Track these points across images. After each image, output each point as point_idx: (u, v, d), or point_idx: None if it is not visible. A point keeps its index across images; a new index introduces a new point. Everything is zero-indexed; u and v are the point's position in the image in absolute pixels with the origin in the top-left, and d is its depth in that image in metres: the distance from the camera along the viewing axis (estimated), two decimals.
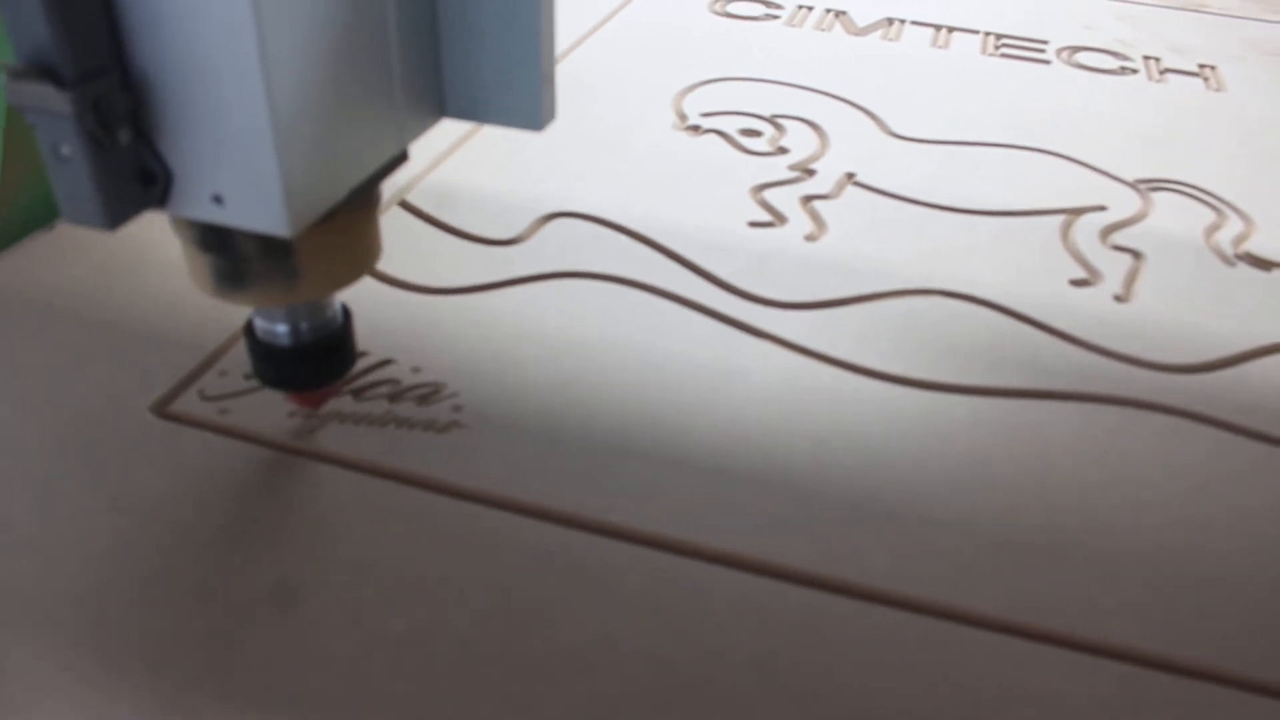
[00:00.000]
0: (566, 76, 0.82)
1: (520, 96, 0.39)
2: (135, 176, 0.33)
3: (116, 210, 0.32)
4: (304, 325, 0.42)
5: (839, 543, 0.42)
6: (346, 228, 0.39)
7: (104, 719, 0.34)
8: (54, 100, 0.30)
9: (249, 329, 0.43)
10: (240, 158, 0.32)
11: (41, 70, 0.30)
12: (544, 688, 0.36)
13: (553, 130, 0.72)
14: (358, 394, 0.48)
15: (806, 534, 0.43)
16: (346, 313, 0.44)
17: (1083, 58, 0.93)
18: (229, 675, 0.36)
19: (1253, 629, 0.40)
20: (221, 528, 0.41)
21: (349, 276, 0.40)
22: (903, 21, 0.98)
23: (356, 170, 0.36)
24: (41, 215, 0.63)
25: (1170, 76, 0.91)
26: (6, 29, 0.31)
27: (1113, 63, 0.93)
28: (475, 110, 0.39)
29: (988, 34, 0.97)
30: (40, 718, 0.34)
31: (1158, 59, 0.94)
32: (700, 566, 0.41)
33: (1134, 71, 0.91)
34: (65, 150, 0.31)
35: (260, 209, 0.32)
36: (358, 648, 0.37)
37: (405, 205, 0.63)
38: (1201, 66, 0.93)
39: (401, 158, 0.39)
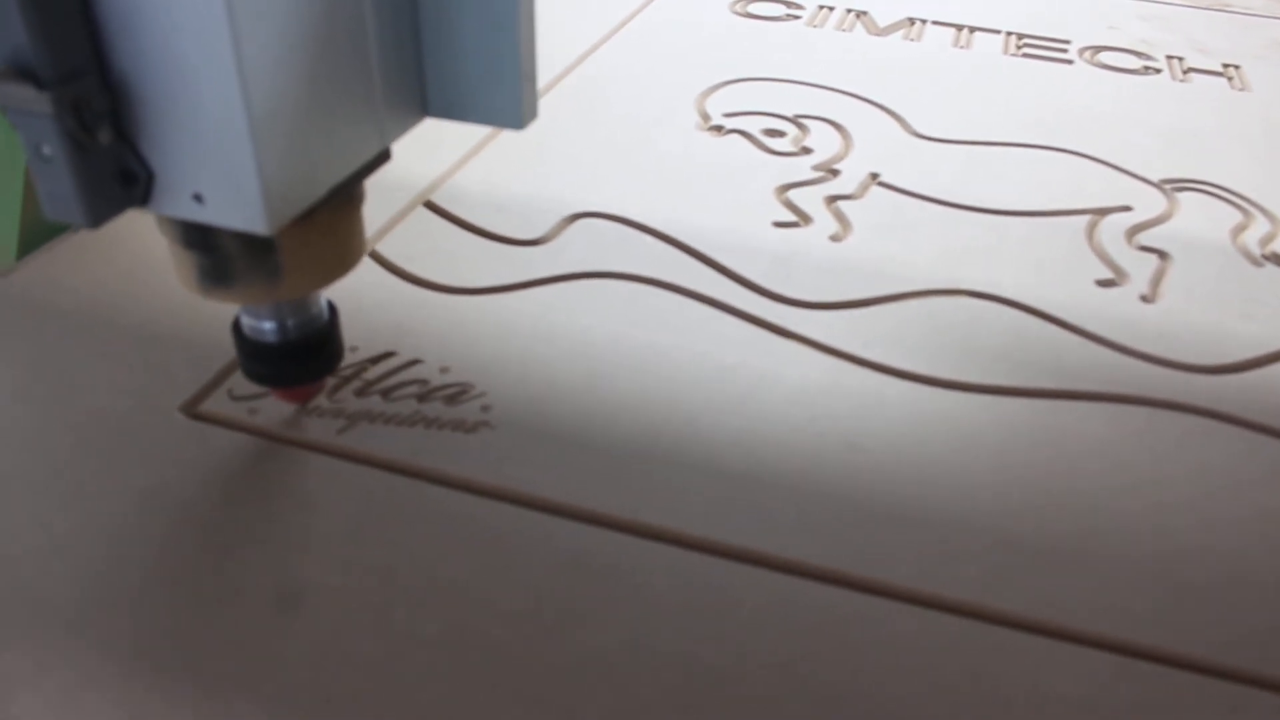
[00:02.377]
0: (588, 78, 0.82)
1: (501, 96, 0.39)
2: (116, 175, 0.33)
3: (98, 208, 0.33)
4: (290, 322, 0.43)
5: (867, 543, 0.42)
6: (328, 226, 0.39)
7: (139, 716, 0.34)
8: (34, 101, 0.30)
9: (236, 326, 0.43)
10: (218, 156, 0.32)
11: (21, 71, 0.31)
12: (575, 688, 0.36)
13: (576, 131, 0.72)
14: (386, 394, 0.49)
15: (835, 535, 0.43)
16: (333, 309, 0.44)
17: (1106, 57, 0.93)
18: (261, 676, 0.36)
19: (1273, 626, 0.40)
20: (251, 527, 0.42)
21: (332, 274, 0.41)
22: (924, 21, 0.98)
23: (336, 169, 0.36)
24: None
25: (1194, 76, 0.91)
26: None
27: (1136, 62, 0.92)
28: (456, 110, 0.39)
29: (1010, 34, 0.97)
30: (78, 715, 0.34)
31: (1181, 59, 0.94)
32: (730, 566, 0.41)
33: (1157, 71, 0.91)
34: (47, 150, 0.32)
35: (239, 207, 0.33)
36: (389, 650, 0.37)
37: (430, 205, 0.63)
38: (1226, 66, 0.93)
39: (384, 156, 0.39)
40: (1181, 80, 0.89)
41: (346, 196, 0.40)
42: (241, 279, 0.39)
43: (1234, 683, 0.38)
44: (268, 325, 0.43)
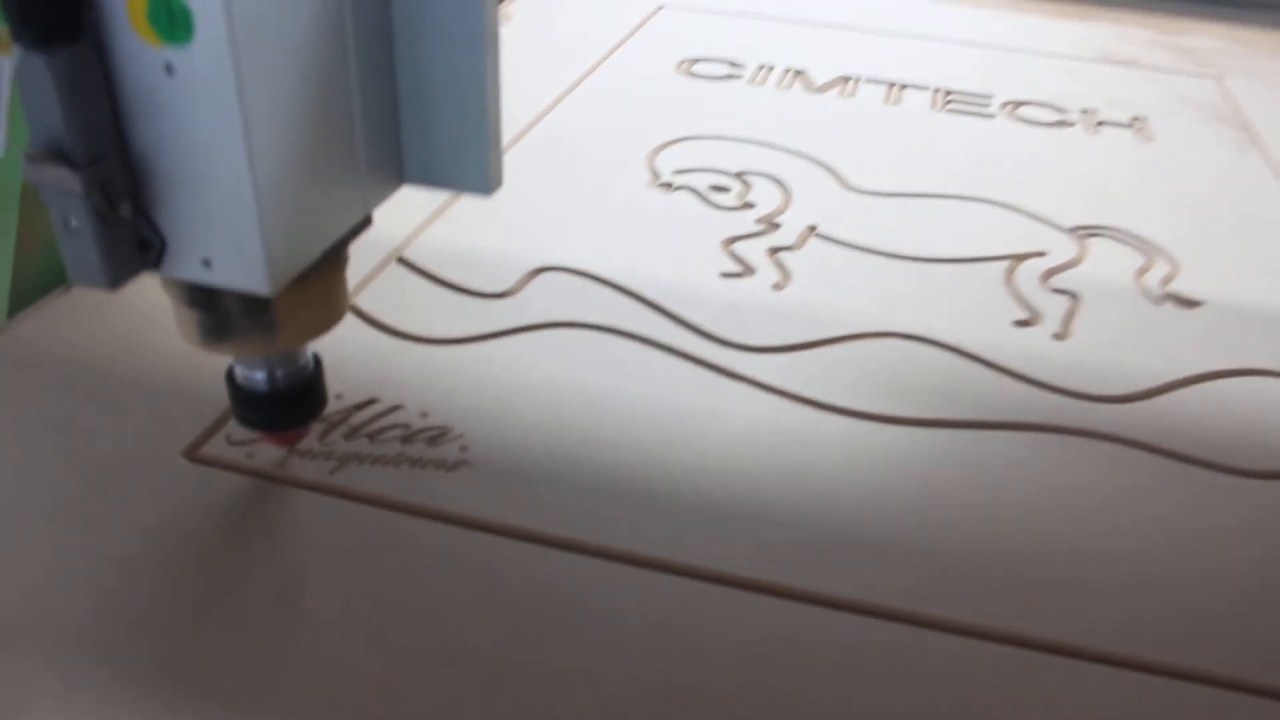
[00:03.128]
0: (544, 136, 0.88)
1: (470, 165, 0.44)
2: (134, 244, 0.38)
3: (117, 273, 0.37)
4: (279, 373, 0.47)
5: (810, 561, 0.48)
6: (318, 286, 0.44)
7: None
8: (67, 181, 0.35)
9: (230, 376, 0.48)
10: (227, 227, 0.37)
11: (56, 155, 0.35)
12: (555, 693, 0.41)
13: (534, 189, 0.77)
14: (372, 437, 0.53)
15: (781, 554, 0.48)
16: (318, 361, 0.49)
17: (1024, 112, 1.00)
18: (269, 694, 0.40)
19: (1168, 621, 0.46)
20: (253, 558, 0.46)
21: (320, 329, 0.45)
22: (857, 80, 1.05)
23: (327, 235, 0.41)
24: (57, 277, 0.68)
25: (1105, 128, 0.98)
26: (26, 120, 0.36)
27: (1052, 116, 1.00)
28: (430, 178, 0.44)
29: (936, 90, 1.04)
30: None
31: (1093, 111, 1.01)
32: (688, 583, 0.46)
33: (1071, 124, 0.98)
34: (74, 222, 0.36)
35: (244, 271, 0.38)
36: (387, 664, 0.42)
37: (403, 261, 0.68)
38: (1134, 119, 1.00)
39: (366, 222, 0.44)
40: (1093, 133, 0.97)
41: (333, 259, 0.44)
42: (240, 335, 0.44)
43: (1131, 670, 0.43)
44: (259, 375, 0.47)
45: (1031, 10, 1.31)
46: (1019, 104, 1.02)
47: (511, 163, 0.82)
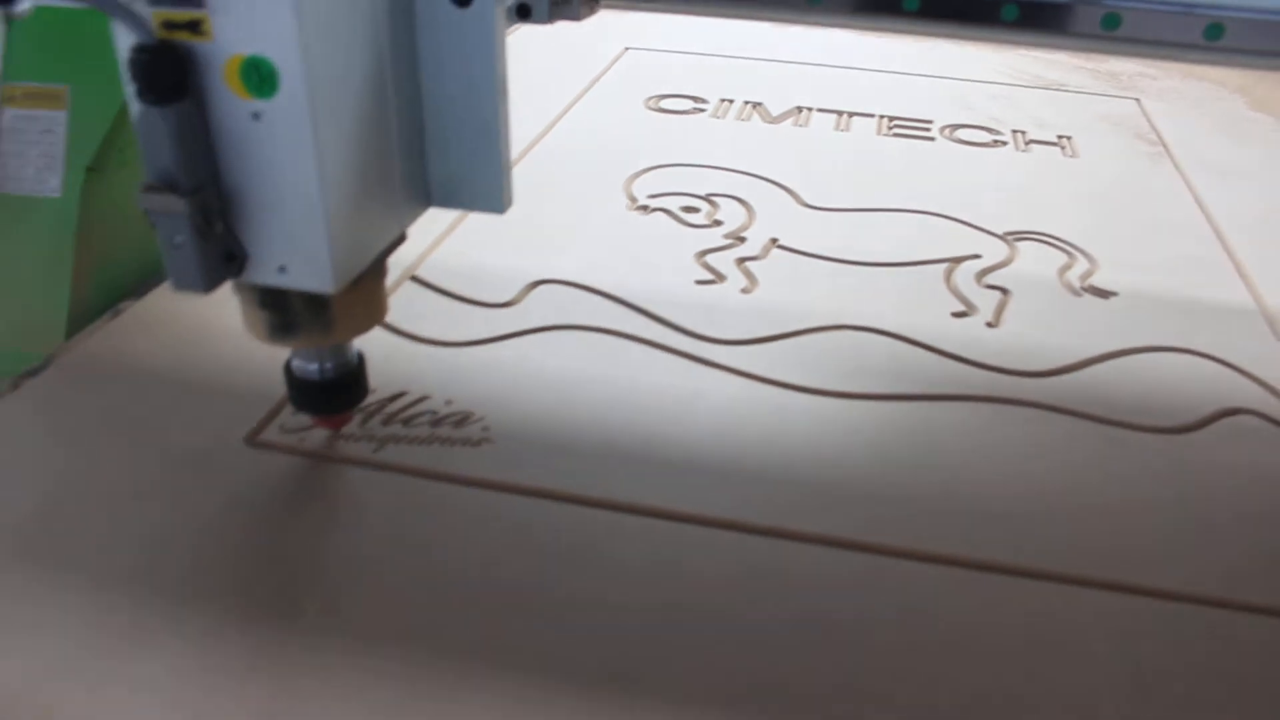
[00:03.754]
0: (533, 167, 0.98)
1: (486, 189, 0.54)
2: (222, 256, 0.47)
3: (211, 280, 0.47)
4: (329, 365, 0.57)
5: (782, 507, 0.57)
6: (365, 291, 0.53)
7: (251, 667, 0.47)
8: (174, 205, 0.45)
9: (287, 369, 0.57)
10: (300, 240, 0.46)
11: (166, 185, 0.45)
12: (572, 616, 0.50)
13: (526, 215, 0.87)
14: (406, 422, 0.62)
15: (758, 502, 0.57)
16: (361, 357, 0.58)
17: (962, 134, 1.11)
18: (343, 622, 0.49)
19: (1074, 542, 0.55)
20: (313, 523, 0.55)
21: (365, 326, 0.55)
22: (810, 109, 1.16)
23: (375, 247, 0.51)
24: (106, 303, 0.77)
25: (1034, 146, 1.09)
26: (142, 157, 0.45)
27: (987, 137, 1.11)
28: (453, 200, 0.54)
29: (882, 117, 1.15)
30: (201, 666, 0.47)
31: (1024, 132, 1.12)
32: (678, 527, 0.56)
33: (1004, 143, 1.09)
34: (178, 239, 0.46)
35: (314, 275, 0.47)
36: (433, 598, 0.51)
37: (416, 279, 0.78)
38: (1060, 137, 1.12)
39: (402, 238, 0.54)
40: (1024, 150, 1.08)
41: (377, 268, 0.54)
42: (303, 331, 0.53)
43: (1046, 580, 0.53)
44: (313, 367, 0.57)
45: (968, 41, 1.42)
46: (957, 127, 1.13)
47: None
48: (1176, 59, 0.55)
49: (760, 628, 0.50)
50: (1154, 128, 1.16)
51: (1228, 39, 0.54)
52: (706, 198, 0.93)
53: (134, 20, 0.43)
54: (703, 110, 1.15)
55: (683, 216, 0.90)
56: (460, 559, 0.53)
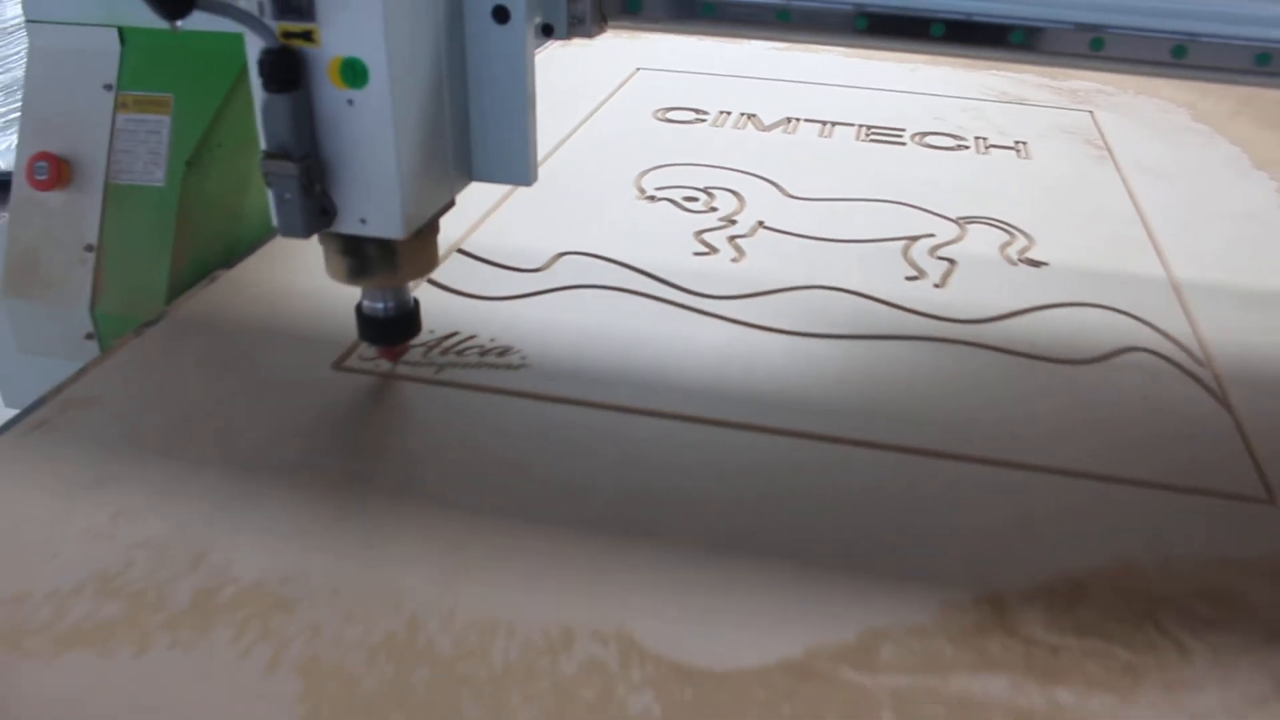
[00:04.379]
0: (558, 165, 1.14)
1: (517, 166, 0.70)
2: (318, 210, 0.63)
3: (310, 227, 0.63)
4: (391, 304, 0.72)
5: (761, 410, 0.73)
6: (423, 241, 0.69)
7: (335, 529, 0.63)
8: (287, 169, 0.61)
9: (358, 309, 0.73)
10: (378, 197, 0.62)
11: (280, 154, 0.61)
12: (593, 492, 0.65)
13: (553, 202, 1.03)
14: (459, 353, 0.78)
15: (741, 406, 0.73)
16: (416, 301, 0.74)
17: (931, 140, 1.27)
18: (415, 503, 0.65)
19: (1000, 439, 0.71)
20: (389, 427, 0.71)
21: (422, 272, 0.71)
22: (798, 119, 1.32)
23: (432, 207, 0.67)
24: (200, 274, 0.93)
25: (993, 150, 1.25)
26: (262, 133, 0.61)
27: (952, 143, 1.27)
28: (490, 175, 0.70)
29: (860, 126, 1.31)
30: (295, 533, 0.63)
31: (985, 138, 1.28)
32: (673, 423, 0.71)
33: (966, 148, 1.25)
34: (288, 196, 0.62)
35: (388, 225, 0.63)
36: (486, 474, 0.66)
37: (462, 251, 0.94)
38: (1016, 142, 1.28)
39: (451, 204, 0.69)
40: (983, 154, 1.24)
41: (432, 225, 0.70)
42: (375, 273, 0.69)
43: (982, 464, 0.69)
44: (379, 305, 0.73)
45: (943, 63, 1.59)
46: (926, 134, 1.29)
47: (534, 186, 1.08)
48: (1070, 68, 0.71)
49: (737, 495, 0.65)
50: (1102, 136, 1.32)
51: (1108, 49, 0.69)
52: (704, 190, 1.09)
53: (264, 30, 0.59)
54: (704, 120, 1.31)
55: (684, 204, 1.06)
56: (502, 447, 0.69)
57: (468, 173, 0.71)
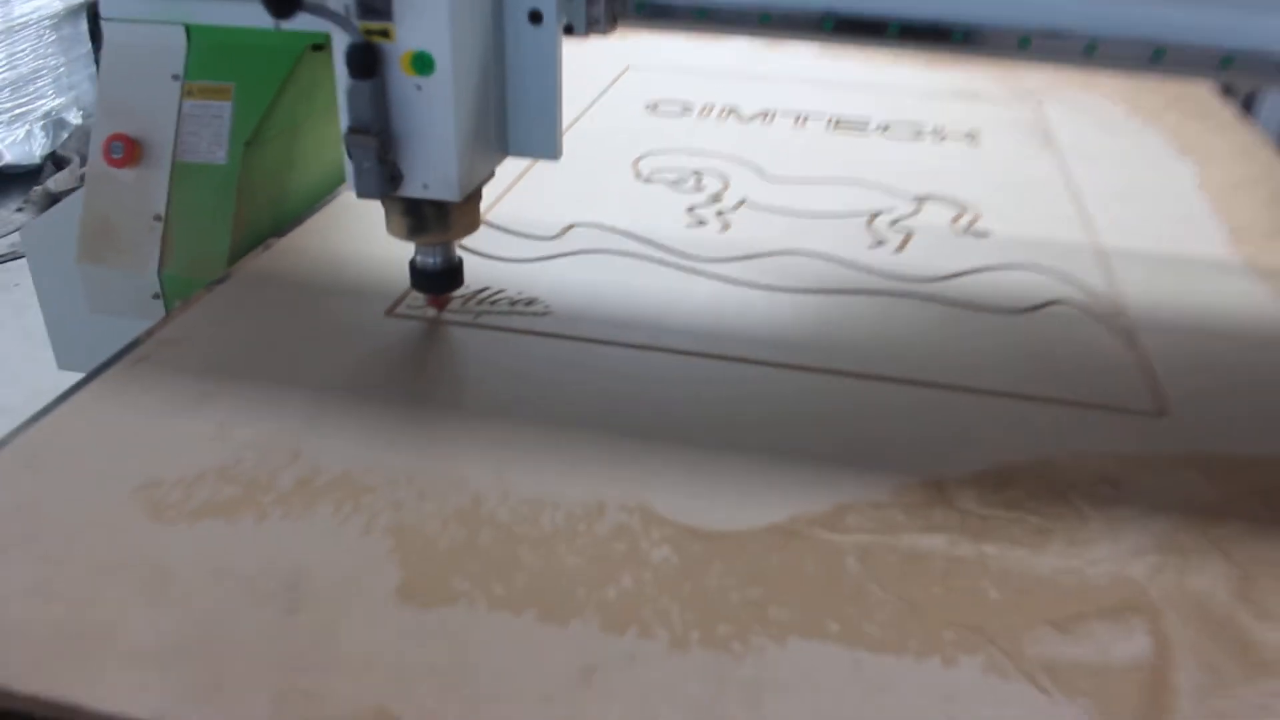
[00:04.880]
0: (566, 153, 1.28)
1: (546, 143, 0.84)
2: (389, 176, 0.77)
3: (382, 190, 0.77)
4: (439, 259, 0.87)
5: (749, 345, 0.87)
6: (471, 204, 0.83)
7: (400, 435, 0.77)
8: (366, 142, 0.75)
9: (411, 263, 0.87)
10: (438, 167, 0.76)
11: (361, 130, 0.75)
12: (614, 394, 0.80)
13: (561, 183, 1.17)
14: (493, 304, 0.92)
15: (729, 342, 0.87)
16: (460, 258, 0.88)
17: (891, 130, 1.42)
18: (464, 422, 0.79)
19: (939, 367, 0.86)
20: (434, 360, 0.85)
21: (467, 231, 0.85)
22: (774, 112, 1.47)
23: (479, 176, 0.81)
24: (256, 241, 1.06)
25: (948, 140, 1.40)
26: (344, 112, 0.75)
27: (911, 133, 1.42)
28: (522, 149, 0.84)
29: (830, 118, 1.46)
30: (367, 440, 0.77)
31: (941, 129, 1.44)
32: (668, 356, 0.86)
33: (924, 138, 1.40)
34: (365, 165, 0.76)
35: (445, 189, 0.77)
36: (520, 399, 0.80)
37: (487, 223, 1.08)
38: (969, 133, 1.43)
39: (491, 174, 0.84)
40: (938, 143, 1.39)
41: (477, 192, 0.84)
42: (431, 230, 0.83)
43: (903, 384, 0.83)
44: (430, 260, 0.87)
45: (905, 62, 1.74)
46: (888, 126, 1.44)
47: (543, 165, 1.22)
48: (1001, 60, 0.86)
49: (729, 410, 0.80)
50: (1047, 127, 1.47)
51: (1033, 48, 0.84)
52: (694, 173, 1.24)
53: (351, 28, 0.73)
54: (690, 113, 1.46)
55: (674, 186, 1.20)
56: (534, 374, 0.83)
57: (505, 148, 0.84)
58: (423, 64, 0.74)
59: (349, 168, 0.78)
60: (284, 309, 0.92)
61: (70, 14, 3.08)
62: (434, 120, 0.75)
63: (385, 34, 0.73)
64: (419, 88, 0.75)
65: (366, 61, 0.73)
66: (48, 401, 0.79)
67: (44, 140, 3.03)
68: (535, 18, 0.78)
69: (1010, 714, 0.56)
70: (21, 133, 2.96)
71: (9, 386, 2.27)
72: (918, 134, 1.42)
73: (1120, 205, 1.22)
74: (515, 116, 0.83)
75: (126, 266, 1.07)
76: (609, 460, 0.73)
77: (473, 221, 0.86)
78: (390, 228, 0.84)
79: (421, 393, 0.81)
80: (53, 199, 2.93)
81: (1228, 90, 1.70)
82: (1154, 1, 0.79)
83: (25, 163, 2.97)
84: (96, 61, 3.42)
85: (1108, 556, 0.67)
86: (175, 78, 1.06)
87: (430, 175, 0.77)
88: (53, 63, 3.05)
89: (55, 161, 3.07)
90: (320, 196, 1.17)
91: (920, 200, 1.19)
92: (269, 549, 0.64)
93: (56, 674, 0.55)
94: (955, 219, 1.15)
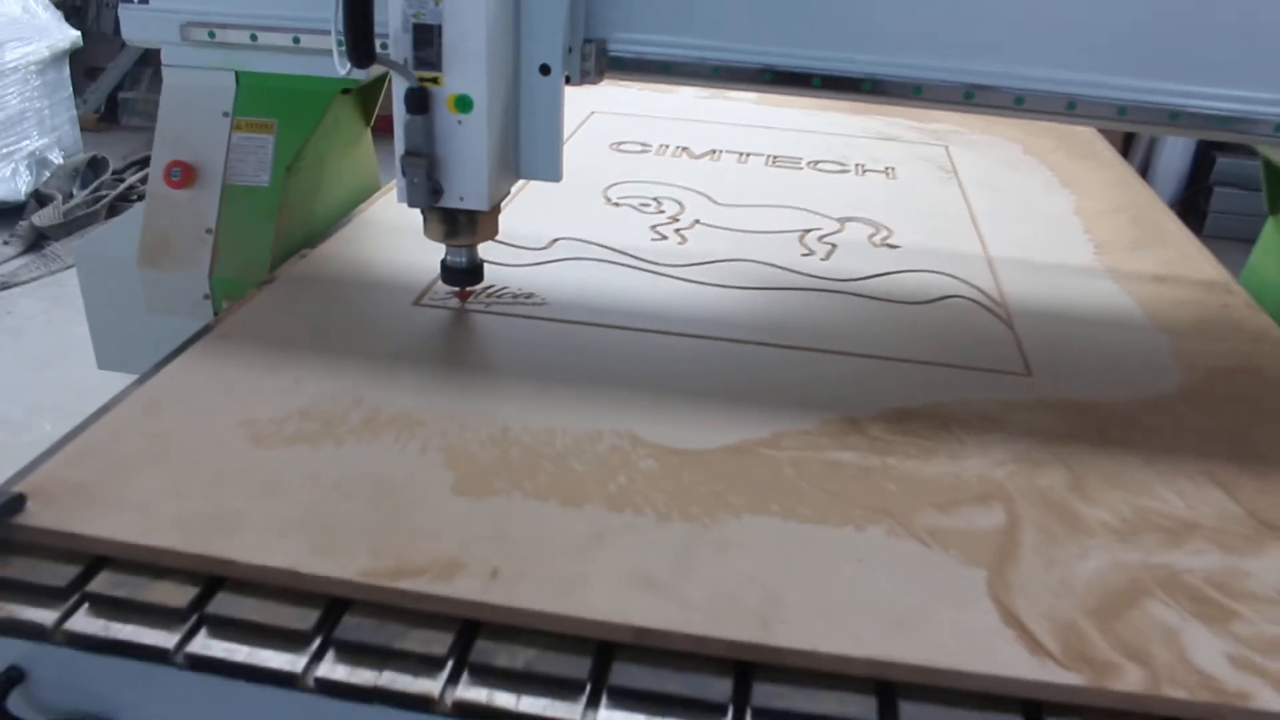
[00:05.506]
0: (541, 186, 1.51)
1: (550, 167, 1.07)
2: (433, 190, 1.00)
3: (428, 201, 0.99)
4: (465, 258, 1.09)
5: (703, 328, 1.10)
6: (492, 215, 1.06)
7: (440, 391, 0.99)
8: (418, 163, 0.98)
9: (443, 261, 1.09)
10: (473, 184, 0.99)
11: (415, 153, 0.97)
12: (602, 359, 1.02)
13: (545, 207, 1.40)
14: (499, 298, 1.14)
15: (687, 324, 1.10)
16: (481, 259, 1.10)
17: (821, 166, 1.67)
18: (485, 366, 1.01)
19: (840, 340, 1.09)
20: (456, 338, 1.07)
21: (490, 236, 1.07)
22: (721, 151, 1.71)
23: (501, 192, 1.04)
24: (293, 249, 1.27)
25: (869, 173, 1.65)
26: (401, 139, 0.97)
27: (837, 168, 1.67)
28: (532, 173, 1.07)
29: (769, 156, 1.70)
30: (419, 399, 0.98)
31: (863, 164, 1.69)
32: (648, 335, 1.08)
33: (848, 172, 1.65)
34: (415, 180, 0.98)
35: (478, 201, 1.00)
36: (519, 368, 1.02)
37: None
38: (887, 168, 1.68)
39: (508, 192, 1.06)
40: (860, 175, 1.64)
41: (497, 205, 1.06)
42: (463, 234, 1.05)
43: (829, 353, 1.07)
44: (459, 259, 1.09)
45: (833, 110, 2.00)
46: (818, 162, 1.69)
47: (532, 192, 1.45)
48: (902, 105, 1.10)
49: (690, 371, 1.02)
50: (952, 163, 1.73)
51: (925, 94, 1.08)
52: (655, 199, 1.47)
53: (409, 75, 0.95)
54: (649, 150, 1.70)
55: (639, 209, 1.44)
56: (538, 346, 1.05)
57: (519, 171, 1.07)
58: (464, 104, 0.96)
59: (401, 183, 0.99)
60: (326, 301, 1.13)
61: (55, 60, 3.27)
62: (471, 147, 0.97)
63: (435, 80, 0.95)
64: (460, 122, 0.97)
65: (421, 101, 0.95)
66: (45, 415, 0.98)
67: (28, 178, 3.20)
68: (545, 70, 1.01)
69: (902, 560, 0.78)
70: (7, 171, 3.12)
71: (10, 402, 2.44)
72: (843, 169, 1.67)
73: (1008, 226, 1.47)
74: (526, 146, 1.06)
75: (180, 271, 1.27)
76: (602, 403, 0.95)
77: (493, 228, 1.08)
78: (428, 232, 1.06)
79: (452, 358, 1.02)
80: (38, 234, 3.10)
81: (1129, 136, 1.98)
82: (1071, 67, 1.03)
83: (11, 199, 3.14)
84: (76, 105, 3.61)
85: (978, 466, 0.90)
86: (225, 114, 1.27)
87: (466, 190, 0.99)
88: (37, 105, 3.23)
89: (38, 198, 3.23)
90: (341, 215, 1.38)
91: (843, 221, 1.44)
92: (349, 464, 0.85)
93: (209, 543, 0.76)
94: (872, 235, 1.40)
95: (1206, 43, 1.00)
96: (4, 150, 3.12)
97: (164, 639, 0.71)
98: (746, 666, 0.70)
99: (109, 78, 4.43)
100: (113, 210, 3.27)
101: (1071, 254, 1.39)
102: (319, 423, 0.91)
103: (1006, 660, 0.69)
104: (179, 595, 0.73)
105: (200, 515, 0.79)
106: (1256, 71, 1.00)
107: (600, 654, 0.70)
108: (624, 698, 0.68)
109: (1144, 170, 3.98)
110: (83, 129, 3.69)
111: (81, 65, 4.08)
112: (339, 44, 0.91)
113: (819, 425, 0.94)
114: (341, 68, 0.95)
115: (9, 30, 3.05)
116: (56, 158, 3.32)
